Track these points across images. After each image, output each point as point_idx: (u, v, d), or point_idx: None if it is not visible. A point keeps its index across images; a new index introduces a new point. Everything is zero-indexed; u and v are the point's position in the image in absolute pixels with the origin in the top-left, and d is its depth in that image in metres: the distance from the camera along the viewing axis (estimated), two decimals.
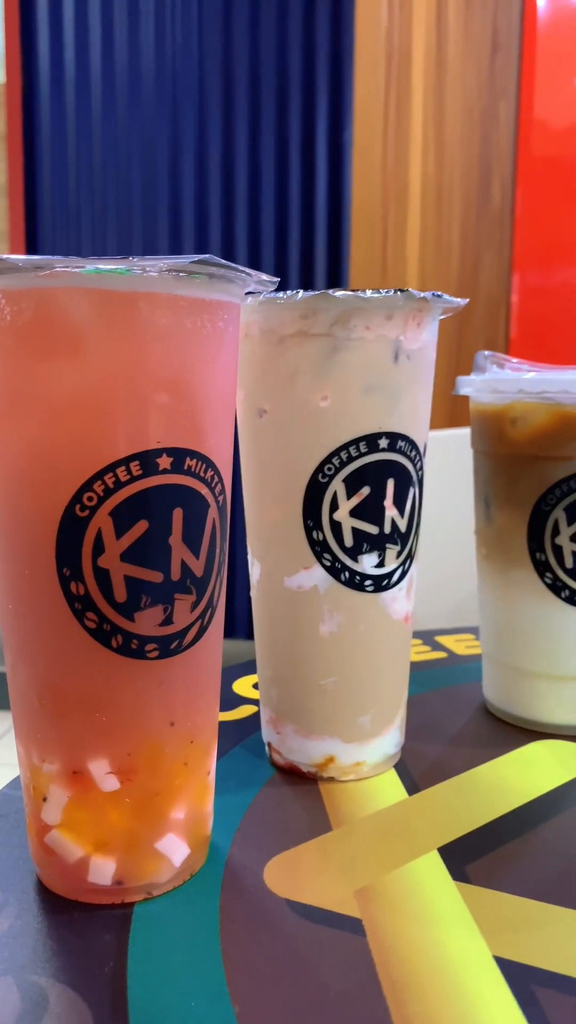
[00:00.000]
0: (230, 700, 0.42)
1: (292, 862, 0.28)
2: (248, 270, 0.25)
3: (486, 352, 0.40)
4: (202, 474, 0.25)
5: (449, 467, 0.63)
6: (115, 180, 1.74)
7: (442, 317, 0.35)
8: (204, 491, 0.25)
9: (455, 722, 0.40)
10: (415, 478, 0.33)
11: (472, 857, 0.29)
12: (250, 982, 0.23)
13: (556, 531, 0.37)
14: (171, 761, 0.26)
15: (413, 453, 0.33)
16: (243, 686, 0.44)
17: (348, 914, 0.26)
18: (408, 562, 0.34)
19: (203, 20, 1.68)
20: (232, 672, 0.46)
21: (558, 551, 0.37)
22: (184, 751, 0.26)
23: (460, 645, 0.51)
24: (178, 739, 0.26)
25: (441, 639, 0.52)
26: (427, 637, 0.52)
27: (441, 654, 0.49)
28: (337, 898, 0.26)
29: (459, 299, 0.34)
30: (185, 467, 0.25)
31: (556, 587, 0.37)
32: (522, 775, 0.34)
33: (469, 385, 0.39)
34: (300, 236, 1.89)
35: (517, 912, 0.26)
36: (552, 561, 0.37)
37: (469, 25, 1.24)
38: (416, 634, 0.53)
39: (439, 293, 0.32)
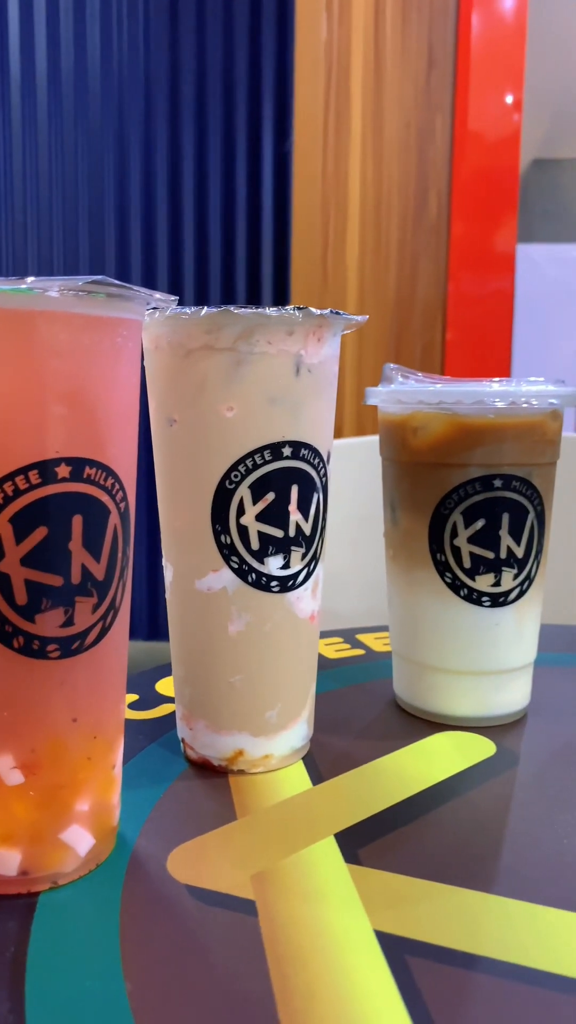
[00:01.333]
0: (152, 699, 0.44)
1: (195, 850, 0.30)
2: (144, 290, 0.27)
3: (392, 365, 0.42)
4: (102, 482, 0.27)
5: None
6: (61, 187, 1.74)
7: (344, 332, 0.37)
8: (104, 498, 0.27)
9: (365, 716, 0.42)
10: (319, 484, 0.35)
11: (366, 841, 0.30)
12: (144, 961, 0.24)
13: (455, 533, 0.39)
14: (74, 756, 0.27)
15: (316, 460, 0.35)
16: (166, 686, 0.45)
17: (243, 896, 0.27)
18: (313, 564, 0.36)
19: (149, 31, 1.68)
20: (156, 673, 0.47)
21: (457, 552, 0.39)
22: (87, 746, 0.28)
23: (379, 643, 0.53)
24: (81, 735, 0.27)
25: (361, 637, 0.54)
26: (348, 635, 0.54)
27: (359, 651, 0.51)
28: (234, 882, 0.28)
29: (358, 316, 0.36)
30: (84, 476, 0.26)
31: (455, 586, 0.39)
32: (421, 764, 0.36)
33: (375, 396, 0.41)
34: (246, 241, 1.91)
35: (400, 890, 0.28)
36: (451, 561, 0.39)
37: (406, 41, 1.27)
38: (338, 632, 0.55)
39: (338, 311, 0.34)
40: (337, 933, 0.25)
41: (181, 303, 0.31)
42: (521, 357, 1.23)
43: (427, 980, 0.23)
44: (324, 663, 0.49)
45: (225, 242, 1.90)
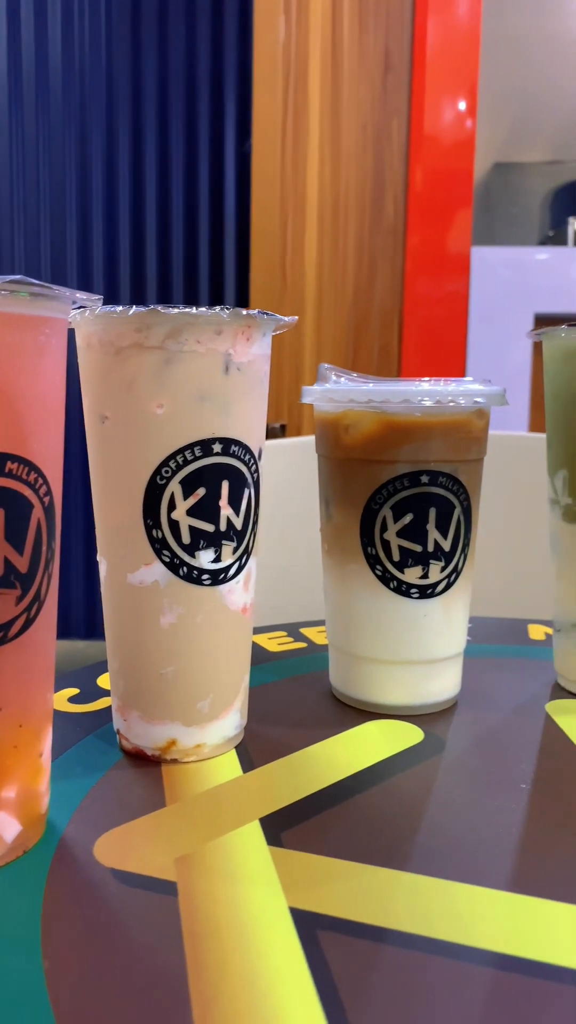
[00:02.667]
0: (93, 693, 0.44)
1: (123, 836, 0.31)
2: (67, 289, 0.28)
3: (327, 365, 0.43)
4: (25, 477, 0.27)
5: None
6: (22, 188, 1.73)
7: (276, 333, 0.38)
8: (27, 493, 0.27)
9: (301, 706, 0.43)
10: (250, 480, 0.36)
11: (289, 825, 0.31)
12: (63, 941, 0.25)
13: (384, 527, 0.40)
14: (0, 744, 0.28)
15: (247, 457, 0.36)
16: (106, 680, 0.46)
17: (165, 878, 0.28)
18: (245, 557, 0.37)
19: (111, 30, 1.68)
20: (99, 667, 0.48)
21: (386, 545, 0.40)
22: (13, 734, 0.28)
23: (321, 636, 0.54)
24: (6, 723, 0.28)
25: (305, 630, 0.55)
26: (292, 629, 0.55)
27: (302, 644, 0.52)
28: (158, 865, 0.29)
29: (288, 317, 0.37)
30: (6, 470, 0.27)
31: (385, 578, 0.40)
32: (350, 752, 0.37)
33: (310, 395, 0.42)
34: (208, 239, 1.92)
35: (318, 869, 0.29)
36: (381, 555, 0.40)
37: (363, 45, 1.28)
38: (281, 626, 0.56)
39: (267, 312, 0.35)
40: (253, 910, 0.26)
41: (141, 302, 0.32)
42: (475, 358, 1.25)
43: (335, 951, 0.24)
44: (266, 656, 0.50)
45: (187, 241, 1.90)
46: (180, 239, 1.87)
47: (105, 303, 0.33)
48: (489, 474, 0.68)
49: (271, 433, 1.34)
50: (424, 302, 1.28)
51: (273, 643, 0.53)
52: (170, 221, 1.86)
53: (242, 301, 1.61)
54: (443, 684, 0.42)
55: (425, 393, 0.39)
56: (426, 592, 0.40)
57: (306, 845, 0.30)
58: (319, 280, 1.30)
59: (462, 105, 1.27)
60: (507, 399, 0.42)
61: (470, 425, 0.40)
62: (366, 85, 1.29)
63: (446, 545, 0.40)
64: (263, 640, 0.53)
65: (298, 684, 0.46)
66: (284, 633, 0.55)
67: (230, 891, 0.27)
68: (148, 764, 0.36)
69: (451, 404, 0.39)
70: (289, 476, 0.78)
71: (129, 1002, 0.23)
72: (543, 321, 1.29)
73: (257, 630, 0.55)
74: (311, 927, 0.26)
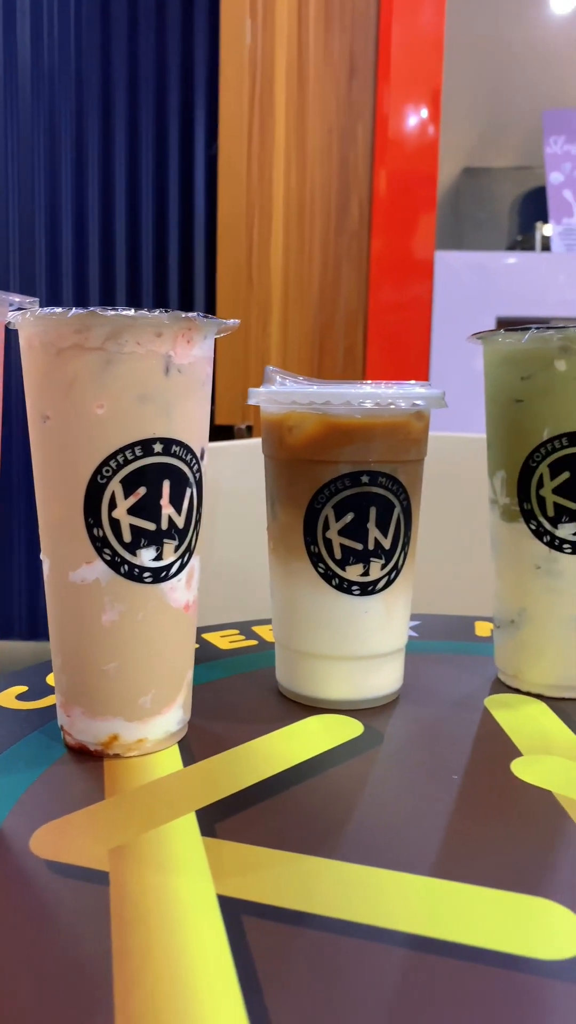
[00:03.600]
0: (41, 690, 0.45)
1: (59, 828, 0.31)
2: (3, 292, 0.28)
3: (273, 367, 0.44)
4: None
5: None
6: None
7: (219, 336, 0.38)
8: None
9: (246, 702, 0.43)
10: (192, 479, 0.37)
11: (225, 816, 0.32)
12: None
13: (327, 526, 0.41)
14: None
15: (189, 457, 0.37)
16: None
17: (98, 869, 0.29)
18: (187, 555, 0.37)
19: (80, 31, 1.67)
20: (48, 666, 0.48)
21: (328, 544, 0.41)
22: None
23: (272, 634, 0.55)
24: None
25: (257, 628, 0.56)
26: (245, 627, 0.56)
27: (253, 642, 0.53)
28: (92, 856, 0.29)
29: (230, 320, 0.37)
30: None
31: (327, 576, 0.41)
32: (290, 745, 0.38)
33: (255, 396, 0.43)
34: (178, 240, 1.92)
35: (248, 858, 0.29)
36: (324, 553, 0.41)
37: (328, 50, 1.30)
38: (234, 624, 0.57)
39: (207, 314, 0.36)
40: (181, 897, 0.27)
41: (110, 302, 0.33)
42: (439, 360, 1.27)
43: (257, 935, 0.25)
44: (216, 653, 0.51)
45: (157, 243, 1.90)
46: (150, 240, 1.87)
47: (76, 304, 0.33)
48: (442, 474, 0.69)
49: (239, 434, 1.34)
50: (388, 305, 1.29)
51: (224, 641, 0.53)
52: (140, 222, 1.86)
53: (210, 302, 1.62)
54: (385, 679, 0.43)
55: (365, 395, 0.40)
56: (367, 589, 0.41)
57: (239, 835, 0.31)
58: (285, 282, 1.31)
59: (426, 110, 1.29)
60: (446, 402, 0.43)
61: (409, 427, 0.41)
62: (331, 89, 1.30)
63: (386, 543, 0.41)
64: (215, 638, 0.54)
65: (245, 680, 0.47)
66: (236, 631, 0.55)
67: (160, 880, 0.28)
68: (91, 759, 0.37)
69: (390, 406, 0.40)
70: (255, 476, 0.79)
71: (52, 985, 0.23)
72: (504, 324, 1.31)
73: (210, 628, 0.56)
74: (236, 913, 0.26)
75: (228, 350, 1.30)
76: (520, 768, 0.36)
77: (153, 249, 1.90)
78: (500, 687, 0.46)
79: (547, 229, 1.41)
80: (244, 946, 0.25)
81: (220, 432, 1.41)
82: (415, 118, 1.29)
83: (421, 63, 1.28)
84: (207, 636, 0.54)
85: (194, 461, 0.37)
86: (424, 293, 1.28)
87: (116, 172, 1.86)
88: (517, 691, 0.45)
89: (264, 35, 1.29)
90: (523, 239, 2.15)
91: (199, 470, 0.37)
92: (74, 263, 1.77)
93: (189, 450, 0.37)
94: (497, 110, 2.57)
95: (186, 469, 0.37)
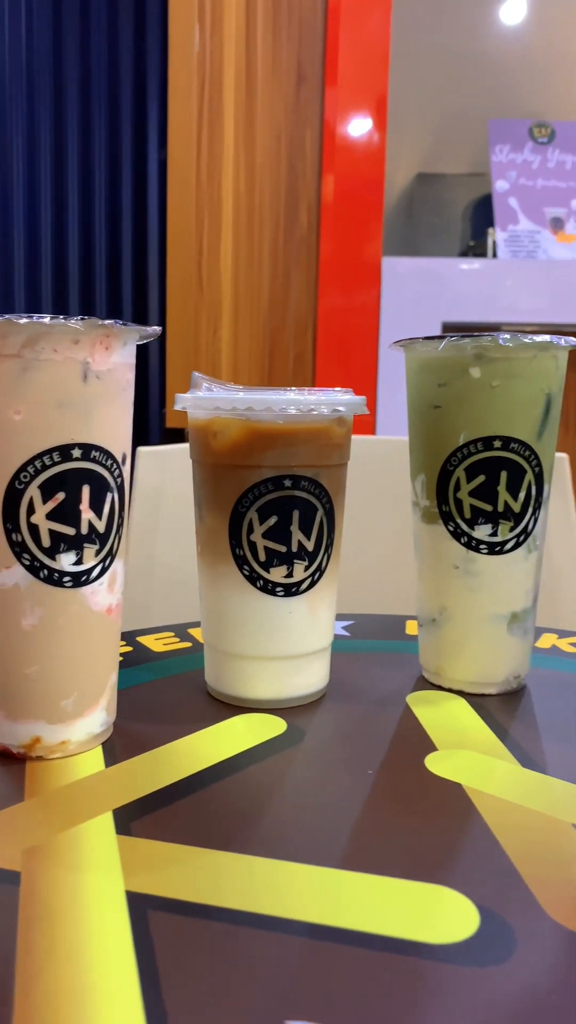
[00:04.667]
0: None
1: None
2: None
3: (199, 374, 0.44)
4: None
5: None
6: None
7: (141, 343, 0.39)
8: None
9: (175, 703, 0.44)
10: (113, 484, 0.37)
11: (141, 814, 0.33)
12: None
13: (251, 529, 0.42)
14: None
15: (109, 462, 0.37)
16: None
17: (10, 869, 0.29)
18: (109, 560, 0.38)
19: (32, 35, 1.66)
20: None
21: (253, 546, 0.42)
22: None
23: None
24: None
25: (193, 631, 0.56)
26: (181, 630, 0.57)
27: (187, 644, 0.54)
28: (5, 856, 0.30)
29: (151, 327, 0.38)
30: None
31: (252, 578, 0.42)
32: (212, 744, 0.39)
33: (181, 402, 0.43)
34: (132, 245, 1.91)
35: (160, 855, 0.30)
36: (248, 556, 0.42)
37: (276, 57, 1.31)
38: (170, 627, 0.57)
39: (125, 321, 0.36)
40: (89, 895, 0.28)
41: (63, 309, 0.33)
42: (386, 366, 1.28)
43: (161, 929, 0.26)
44: (149, 655, 0.51)
45: (110, 247, 1.90)
46: (103, 245, 1.86)
47: (28, 311, 0.34)
48: (381, 475, 0.70)
49: (186, 437, 1.35)
50: (337, 311, 1.30)
51: (159, 643, 0.54)
52: (93, 228, 1.85)
53: (164, 307, 1.62)
54: (310, 678, 0.44)
55: (287, 402, 0.41)
56: (291, 590, 0.42)
57: (154, 833, 0.31)
58: (235, 287, 1.32)
59: (373, 117, 1.31)
60: (367, 408, 0.44)
61: (331, 432, 0.42)
62: (280, 96, 1.32)
63: (310, 545, 0.42)
64: (149, 641, 0.54)
65: (176, 682, 0.47)
66: (172, 634, 0.56)
67: (71, 878, 0.28)
68: (14, 761, 0.37)
69: (311, 412, 0.41)
70: None
71: None
72: (450, 329, 1.34)
73: (147, 631, 0.56)
74: (143, 908, 0.27)
75: (179, 355, 1.31)
76: (433, 762, 0.37)
77: (106, 254, 1.89)
78: (423, 684, 0.47)
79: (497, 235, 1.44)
80: (147, 940, 0.25)
81: (172, 436, 1.41)
82: (362, 125, 1.30)
83: (368, 71, 1.30)
84: (142, 639, 0.54)
85: (115, 466, 0.38)
86: (372, 299, 1.30)
87: (69, 178, 1.85)
88: (439, 688, 0.46)
89: (212, 42, 1.30)
90: (476, 244, 2.19)
91: (120, 475, 0.38)
92: (26, 269, 1.76)
93: (109, 455, 0.37)
94: (450, 117, 2.61)
95: (106, 474, 0.37)
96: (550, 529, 0.77)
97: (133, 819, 0.32)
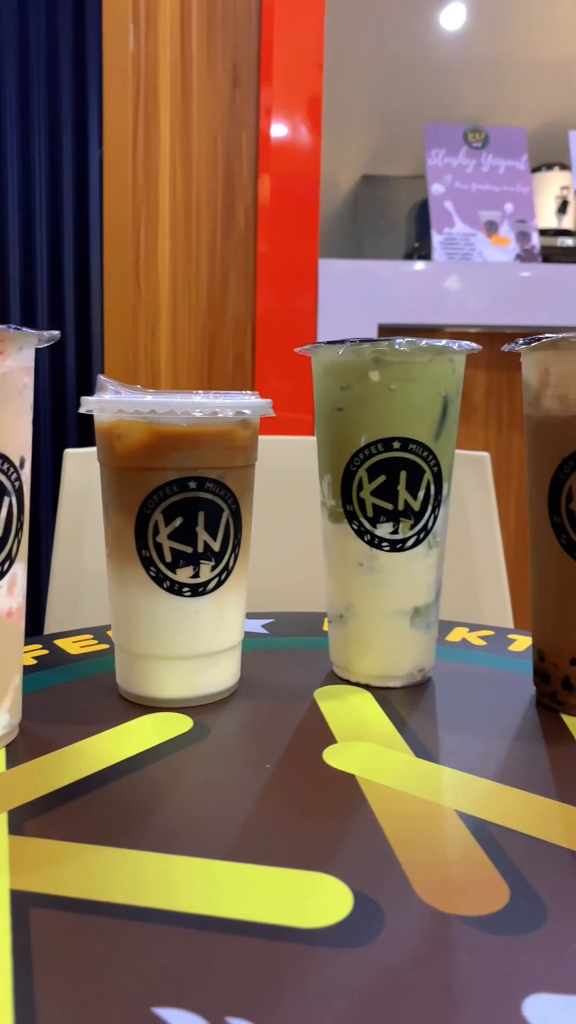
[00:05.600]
0: None
1: None
2: None
3: (105, 377, 0.45)
4: None
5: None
6: None
7: (42, 346, 0.39)
8: None
9: (85, 705, 0.44)
10: (11, 488, 0.38)
11: (37, 814, 0.33)
12: None
13: (156, 531, 0.42)
14: None
15: (6, 466, 0.37)
16: None
17: None
18: (8, 563, 0.38)
19: None
20: None
21: (159, 548, 0.42)
22: None
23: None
24: None
25: (111, 633, 0.57)
26: (100, 632, 0.57)
27: (104, 646, 0.54)
28: None
29: (48, 332, 0.38)
30: None
31: (159, 579, 0.43)
32: (116, 743, 0.39)
33: (86, 404, 0.44)
34: (73, 244, 1.90)
35: (50, 853, 0.31)
36: (155, 557, 0.42)
37: (211, 58, 1.31)
38: (89, 630, 0.57)
39: (18, 326, 0.37)
40: None
41: (2, 310, 0.33)
42: None
43: (42, 926, 0.26)
44: (63, 658, 0.51)
45: (51, 248, 1.88)
46: (44, 245, 1.84)
47: None
48: (305, 476, 0.71)
49: None
50: (275, 312, 1.31)
51: (76, 646, 0.54)
52: (33, 227, 1.84)
53: (103, 307, 1.61)
54: (219, 676, 0.45)
55: (191, 405, 0.41)
56: (198, 590, 0.43)
57: (47, 832, 0.32)
58: (173, 288, 1.32)
59: (308, 119, 1.32)
60: (272, 411, 0.45)
61: (235, 435, 0.43)
62: (215, 97, 1.32)
63: (216, 546, 0.43)
64: (67, 644, 0.54)
65: (88, 684, 0.47)
66: (91, 636, 0.56)
67: None
68: None
69: (215, 415, 0.42)
70: None
71: None
72: (386, 331, 1.36)
73: (65, 634, 0.56)
74: (24, 906, 0.27)
75: (117, 356, 1.30)
76: (331, 755, 0.38)
77: (48, 254, 1.88)
78: (333, 679, 0.48)
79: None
80: (25, 936, 0.26)
81: None
82: (297, 126, 1.32)
83: (302, 73, 1.31)
84: (59, 642, 0.55)
85: (12, 470, 0.38)
86: (309, 300, 1.31)
87: (8, 176, 1.83)
88: (347, 682, 0.48)
89: (147, 43, 1.30)
90: (420, 246, 2.22)
91: (18, 479, 0.38)
92: None
93: (6, 459, 0.37)
94: (394, 119, 2.64)
95: (3, 478, 0.37)
96: (473, 526, 0.80)
97: (28, 819, 0.33)
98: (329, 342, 0.45)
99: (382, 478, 0.45)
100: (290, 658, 0.52)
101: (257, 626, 0.59)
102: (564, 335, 0.40)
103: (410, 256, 2.45)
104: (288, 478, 0.82)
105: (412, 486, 0.45)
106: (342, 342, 0.44)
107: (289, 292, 1.31)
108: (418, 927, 0.26)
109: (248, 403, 0.43)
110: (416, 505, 0.45)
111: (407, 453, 0.45)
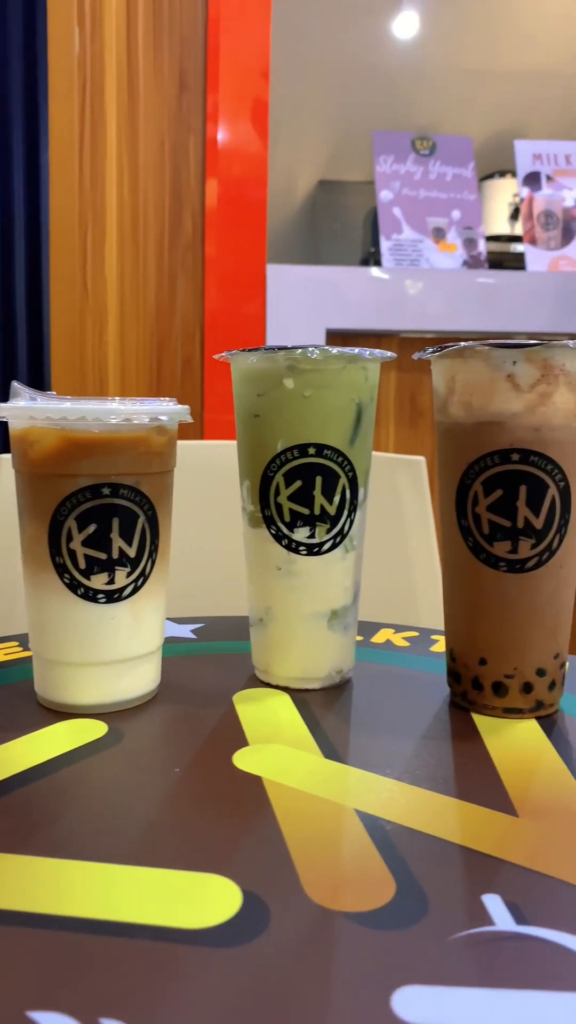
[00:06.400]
0: None
1: None
2: None
3: (17, 383, 0.45)
4: None
5: None
6: None
7: None
8: None
9: (3, 712, 0.44)
10: None
11: None
12: None
13: (70, 538, 0.42)
14: None
15: None
16: None
17: None
18: None
19: None
20: None
21: (72, 554, 0.42)
22: None
23: None
24: None
25: None
26: (24, 639, 0.57)
27: (28, 653, 0.54)
28: None
29: None
30: None
31: (73, 586, 0.43)
32: (27, 750, 0.39)
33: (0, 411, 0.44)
34: (25, 247, 1.88)
35: None
36: (68, 563, 0.43)
37: (158, 63, 1.31)
38: (15, 636, 0.57)
39: None
40: None
41: None
42: None
43: None
44: None
45: (3, 247, 1.86)
46: None
47: None
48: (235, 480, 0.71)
49: None
50: (224, 317, 1.32)
51: (0, 653, 0.54)
52: None
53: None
54: (136, 682, 0.45)
55: (104, 411, 0.42)
56: (113, 597, 0.43)
57: None
58: (121, 292, 1.31)
59: (254, 124, 1.33)
60: (191, 416, 0.45)
61: (150, 441, 0.43)
62: (162, 102, 1.32)
63: (131, 552, 0.43)
64: None
65: (8, 691, 0.47)
66: (16, 643, 0.56)
67: None
68: None
69: (127, 422, 0.42)
70: None
71: None
72: (334, 336, 1.37)
73: None
74: None
75: (64, 360, 1.30)
76: (240, 758, 0.39)
77: (1, 251, 1.85)
78: (254, 682, 0.49)
79: None
80: None
81: None
82: (244, 131, 1.32)
83: (248, 78, 1.32)
84: None
85: None
86: (258, 306, 1.32)
87: None
88: (268, 685, 0.48)
89: (93, 45, 1.29)
90: (376, 251, 2.24)
91: None
92: None
93: None
94: (349, 125, 2.67)
95: None
96: (410, 529, 0.81)
97: None
98: (245, 350, 0.45)
99: (298, 483, 0.45)
100: (215, 662, 0.52)
101: (186, 631, 0.59)
102: (469, 343, 0.41)
103: (366, 261, 2.47)
104: (220, 481, 0.82)
105: (328, 491, 0.46)
106: (257, 350, 0.45)
107: (238, 297, 1.31)
108: (302, 925, 0.27)
109: (164, 409, 0.44)
110: (332, 509, 0.46)
111: (322, 459, 0.45)
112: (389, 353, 0.46)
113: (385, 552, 0.83)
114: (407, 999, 0.24)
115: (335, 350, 0.44)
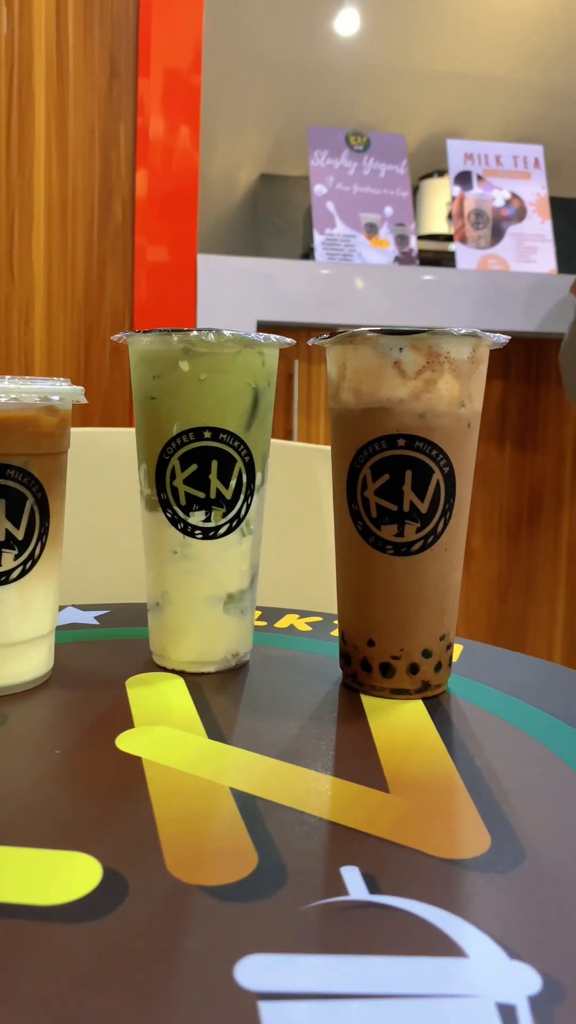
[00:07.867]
0: None
1: None
2: None
3: None
4: None
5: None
6: None
7: None
8: None
9: None
10: None
11: None
12: None
13: None
14: None
15: None
16: None
17: None
18: None
19: None
20: None
21: None
22: None
23: None
24: None
25: None
26: None
27: None
28: None
29: None
30: None
31: None
32: None
33: None
34: None
35: None
36: None
37: (88, 49, 1.29)
38: None
39: None
40: None
41: None
42: None
43: None
44: None
45: None
46: None
47: None
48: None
49: None
50: (153, 306, 1.31)
51: None
52: None
53: None
54: (24, 666, 0.44)
55: None
56: (0, 579, 0.42)
57: None
58: (48, 279, 1.29)
59: (186, 114, 1.32)
60: (85, 397, 0.45)
61: (39, 421, 0.43)
62: (92, 89, 1.30)
63: (19, 534, 0.43)
64: None
65: None
66: None
67: None
68: None
69: (13, 400, 0.41)
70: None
71: None
72: (264, 328, 1.37)
73: None
74: None
75: None
76: (123, 740, 0.38)
77: None
78: (150, 667, 0.48)
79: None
80: None
81: None
82: (175, 122, 1.31)
83: (180, 68, 1.31)
84: None
85: None
86: (188, 296, 1.31)
87: None
88: (164, 669, 0.48)
89: (21, 27, 1.26)
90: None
91: None
92: None
93: None
94: (290, 119, 2.67)
95: None
96: (326, 517, 0.81)
97: None
98: (142, 331, 0.45)
99: (194, 467, 0.45)
100: (112, 648, 0.52)
101: (90, 618, 0.58)
102: (359, 330, 0.42)
103: (306, 255, 2.48)
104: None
105: (224, 475, 0.46)
106: (152, 332, 0.45)
107: (167, 286, 1.30)
108: (157, 899, 0.27)
109: (55, 389, 0.43)
110: (228, 493, 0.46)
111: (218, 443, 0.45)
112: (287, 339, 0.47)
113: (303, 541, 0.83)
114: (249, 968, 0.24)
115: (229, 333, 0.44)
